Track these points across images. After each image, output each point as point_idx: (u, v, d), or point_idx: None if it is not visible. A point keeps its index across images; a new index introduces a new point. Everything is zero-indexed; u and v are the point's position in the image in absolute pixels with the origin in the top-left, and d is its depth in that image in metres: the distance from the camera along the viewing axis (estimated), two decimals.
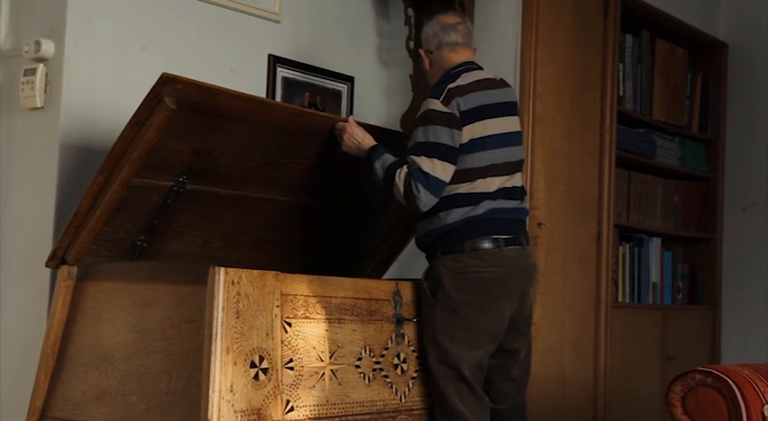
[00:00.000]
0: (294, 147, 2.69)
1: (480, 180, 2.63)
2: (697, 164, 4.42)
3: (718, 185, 4.45)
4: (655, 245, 4.13)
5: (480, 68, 2.76)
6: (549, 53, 3.43)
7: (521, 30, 3.36)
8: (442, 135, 2.58)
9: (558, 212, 3.46)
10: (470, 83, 2.67)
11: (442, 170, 2.57)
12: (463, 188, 2.62)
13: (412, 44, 3.52)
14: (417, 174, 2.57)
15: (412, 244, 3.29)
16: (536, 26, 3.37)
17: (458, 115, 2.60)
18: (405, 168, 2.60)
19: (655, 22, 4.09)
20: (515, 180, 2.72)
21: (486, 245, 2.61)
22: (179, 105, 2.31)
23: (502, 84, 2.77)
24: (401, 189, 2.59)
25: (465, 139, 2.61)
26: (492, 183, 2.64)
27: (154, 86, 2.28)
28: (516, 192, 2.71)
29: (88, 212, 2.45)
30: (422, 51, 2.81)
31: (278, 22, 3.28)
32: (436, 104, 2.60)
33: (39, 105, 2.76)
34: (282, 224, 2.91)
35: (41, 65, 2.76)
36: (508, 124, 2.72)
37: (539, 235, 3.33)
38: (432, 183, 2.57)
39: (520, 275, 2.67)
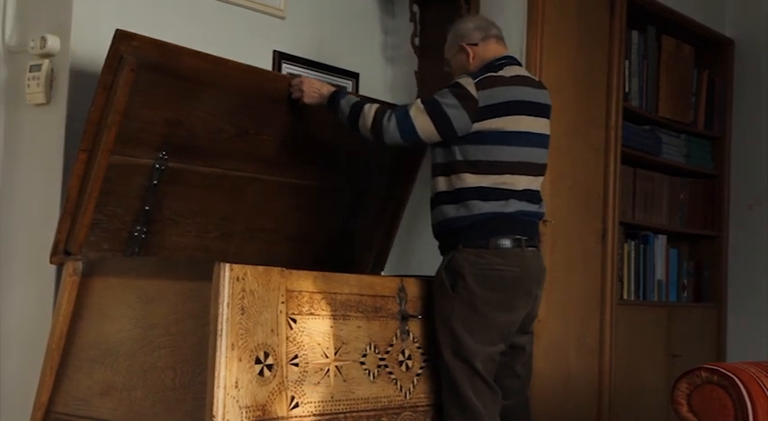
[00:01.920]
0: (261, 114, 2.76)
1: (509, 175, 2.62)
2: (703, 161, 4.41)
3: (723, 182, 4.44)
4: (660, 242, 4.12)
5: (521, 65, 2.77)
6: (555, 50, 3.43)
7: (526, 27, 3.35)
8: (451, 105, 2.57)
9: (563, 209, 3.45)
10: (512, 76, 2.66)
11: (424, 123, 2.58)
12: (490, 181, 2.60)
13: (417, 41, 3.51)
14: (400, 109, 2.63)
15: (406, 233, 3.31)
16: (541, 23, 3.36)
17: (481, 106, 2.57)
18: (377, 105, 2.66)
19: (661, 19, 4.08)
20: (538, 183, 2.71)
21: (509, 243, 2.61)
22: (140, 66, 2.41)
23: (540, 85, 2.78)
24: (370, 117, 2.64)
25: (493, 128, 2.59)
26: (519, 182, 2.63)
27: (111, 45, 2.38)
28: (536, 196, 2.71)
29: (79, 196, 2.49)
30: (464, 44, 2.77)
31: (283, 18, 3.27)
32: (470, 83, 2.59)
33: (44, 101, 2.76)
34: (271, 209, 2.93)
35: (47, 60, 2.75)
36: (540, 125, 2.70)
37: (544, 232, 3.31)
38: (406, 124, 2.59)
39: (536, 277, 2.68)
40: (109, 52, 2.39)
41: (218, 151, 2.71)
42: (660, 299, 4.10)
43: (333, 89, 2.76)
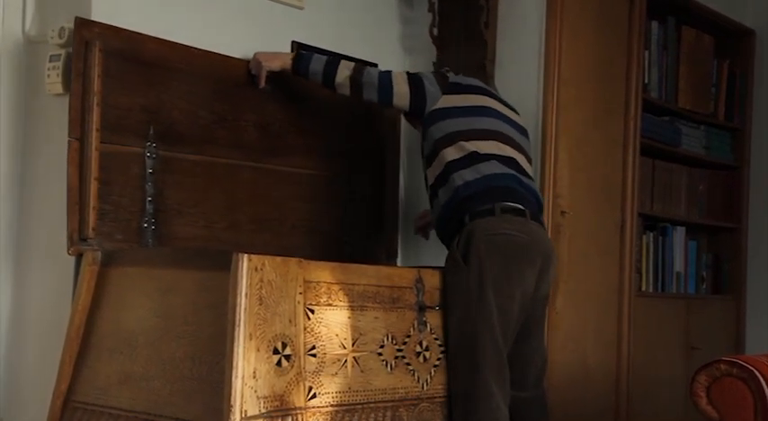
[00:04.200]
0: (235, 101, 2.91)
1: (497, 143, 2.74)
2: (722, 152, 4.38)
3: (743, 174, 4.41)
4: (679, 234, 4.10)
5: None
6: (574, 40, 3.40)
7: (545, 16, 3.33)
8: (428, 78, 2.81)
9: (581, 201, 3.44)
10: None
11: (401, 89, 2.79)
12: (482, 145, 2.70)
13: (435, 31, 3.50)
14: (384, 71, 2.84)
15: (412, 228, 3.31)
16: (561, 12, 3.34)
17: (451, 81, 2.81)
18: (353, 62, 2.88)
19: (681, 9, 4.04)
20: (526, 163, 2.81)
21: (514, 211, 2.65)
22: (107, 54, 2.55)
23: None
24: (350, 67, 2.83)
25: (462, 104, 2.77)
26: (504, 149, 2.74)
27: (74, 33, 2.51)
28: (528, 174, 2.79)
29: (80, 184, 2.54)
30: None
31: (301, 8, 3.27)
32: (443, 68, 2.90)
33: (63, 91, 2.76)
34: (271, 198, 3.00)
35: (66, 51, 2.76)
36: (512, 114, 2.89)
37: (562, 223, 3.31)
38: (386, 83, 2.81)
39: (543, 249, 2.69)
40: (74, 40, 2.50)
41: (201, 138, 2.81)
42: (679, 291, 4.08)
43: (291, 53, 2.92)
